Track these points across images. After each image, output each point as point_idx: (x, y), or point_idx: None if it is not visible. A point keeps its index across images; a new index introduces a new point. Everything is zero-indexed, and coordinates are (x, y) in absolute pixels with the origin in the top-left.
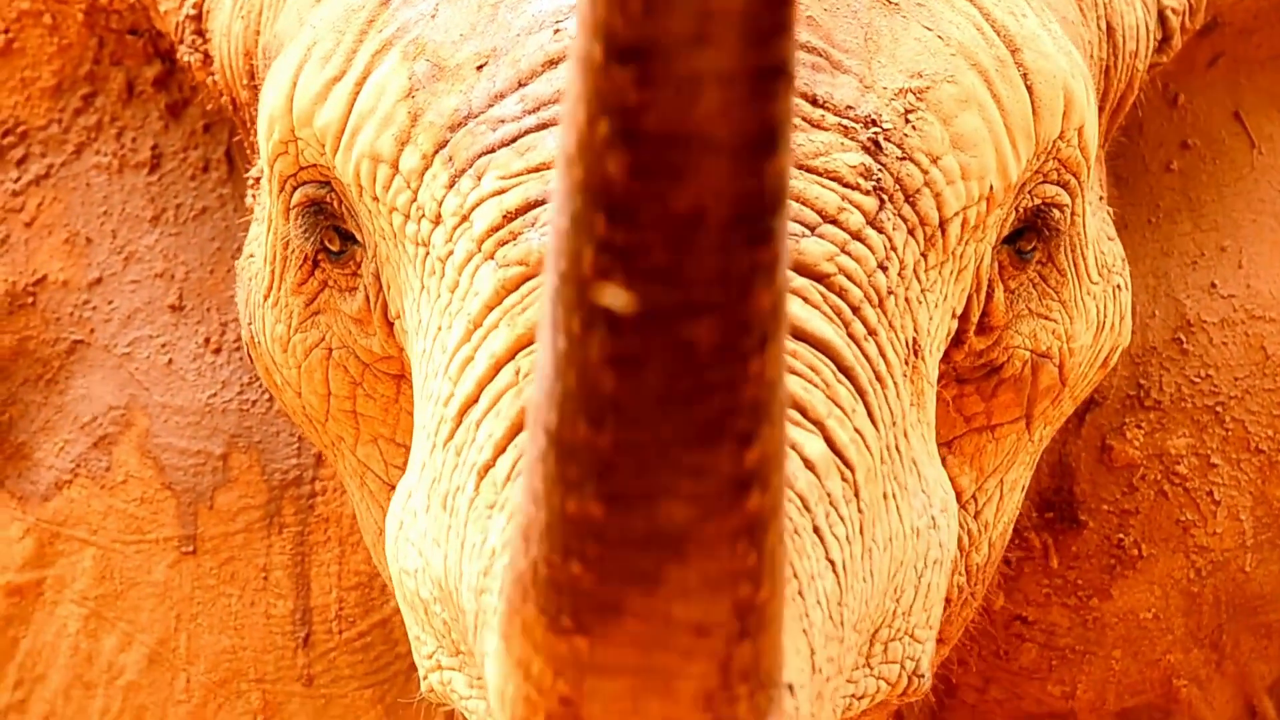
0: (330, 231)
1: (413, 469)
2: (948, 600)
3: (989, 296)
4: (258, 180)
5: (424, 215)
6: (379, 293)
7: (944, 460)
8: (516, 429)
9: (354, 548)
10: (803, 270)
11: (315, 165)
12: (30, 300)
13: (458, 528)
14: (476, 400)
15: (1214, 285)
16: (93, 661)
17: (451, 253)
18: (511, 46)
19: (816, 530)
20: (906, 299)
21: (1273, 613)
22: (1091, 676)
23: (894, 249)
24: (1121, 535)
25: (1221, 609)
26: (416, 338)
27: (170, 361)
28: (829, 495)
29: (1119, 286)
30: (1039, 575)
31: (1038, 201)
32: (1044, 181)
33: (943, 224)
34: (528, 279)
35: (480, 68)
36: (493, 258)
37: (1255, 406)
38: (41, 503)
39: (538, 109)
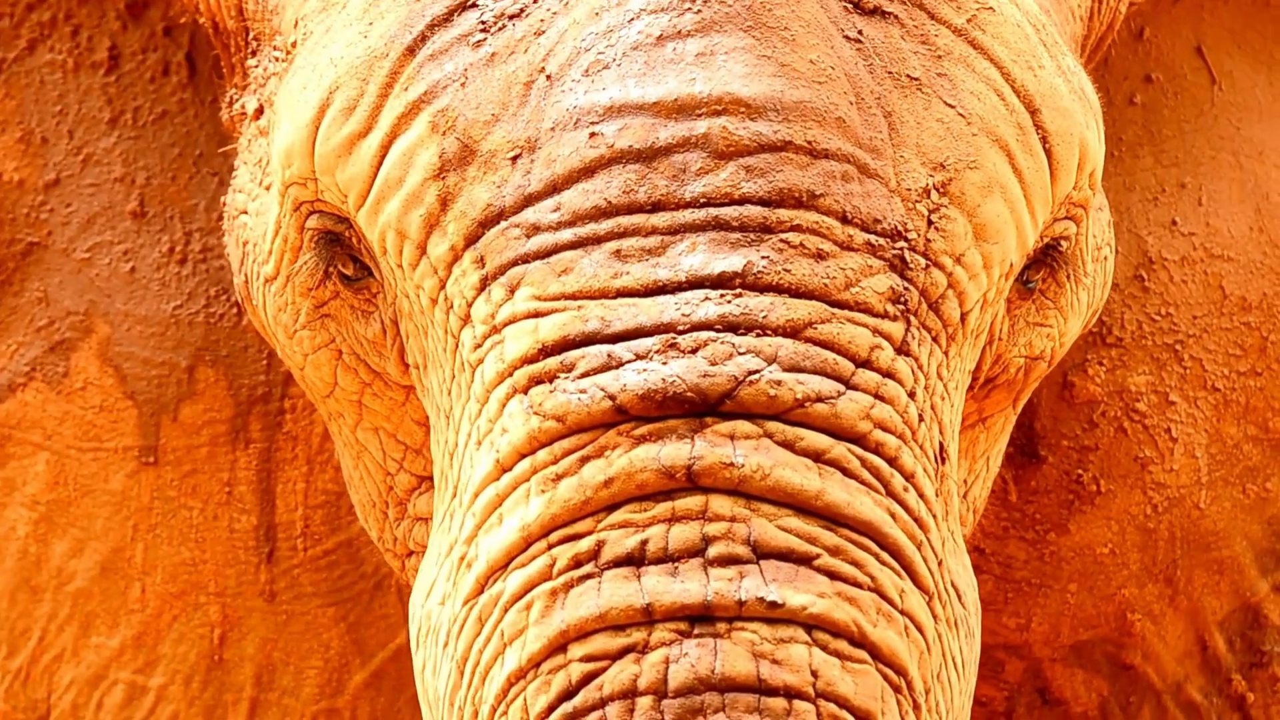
0: (345, 258)
1: (435, 569)
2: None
3: (998, 337)
4: (245, 115)
5: (452, 309)
6: (396, 336)
7: None
8: (552, 648)
9: (322, 466)
10: (840, 434)
11: (334, 205)
12: None
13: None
14: (504, 569)
15: (1175, 223)
16: (41, 566)
17: (481, 361)
18: (546, 142)
19: None
20: (932, 406)
21: (1224, 549)
22: (1047, 609)
23: (920, 368)
24: (1080, 471)
25: (1176, 545)
26: (444, 420)
27: (133, 269)
28: None
29: (1106, 256)
30: (997, 509)
31: (1046, 241)
32: (1055, 222)
33: (963, 317)
34: (561, 437)
35: (514, 159)
36: (525, 393)
37: (1212, 345)
38: None
39: (574, 222)
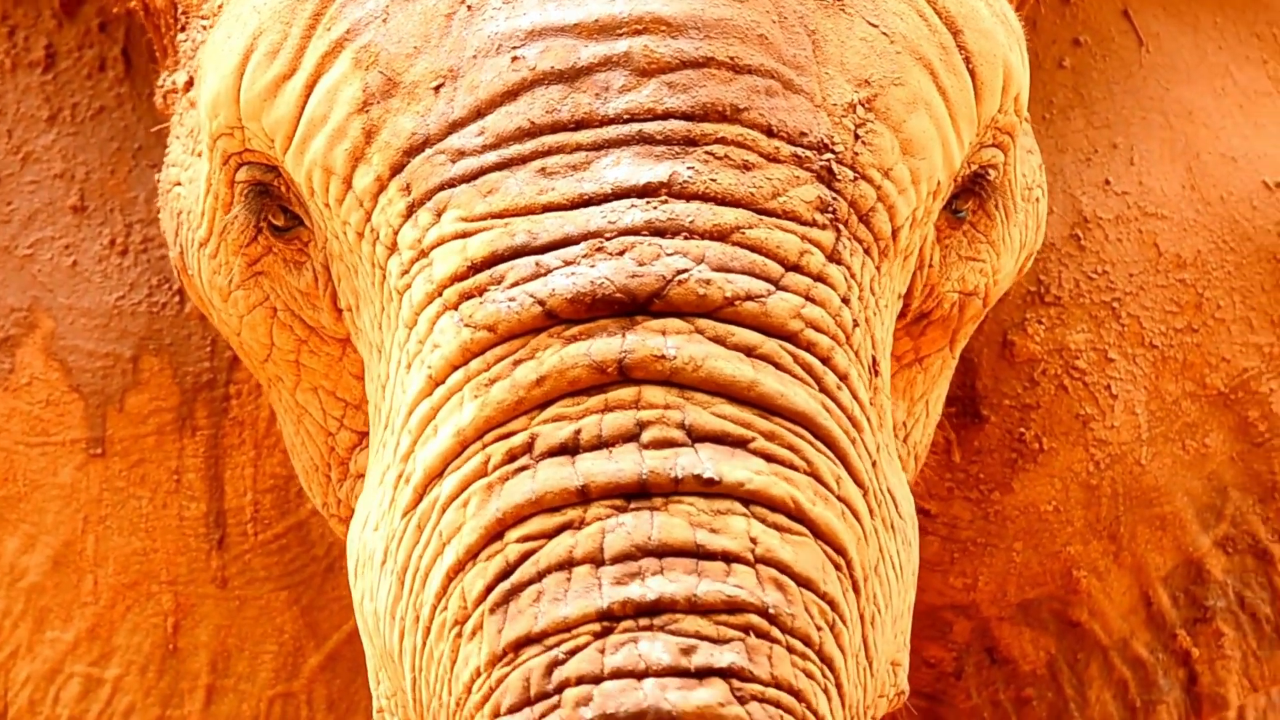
0: (275, 208)
1: (371, 497)
2: None
3: (929, 263)
4: (176, 90)
5: (378, 239)
6: (328, 282)
7: None
8: (489, 536)
9: (269, 450)
10: (771, 331)
11: (262, 152)
12: None
13: (421, 623)
14: (440, 475)
15: (1108, 182)
16: None
17: (409, 286)
18: (469, 70)
19: (827, 660)
20: (867, 319)
21: (1166, 504)
22: (993, 569)
23: (853, 276)
24: (1022, 429)
25: (1119, 501)
26: (375, 355)
27: (75, 263)
28: (830, 604)
29: (1037, 198)
30: (941, 469)
31: (974, 168)
32: (981, 148)
33: (894, 233)
34: (493, 346)
35: (437, 88)
36: (455, 309)
37: (1149, 302)
38: None
39: (498, 144)
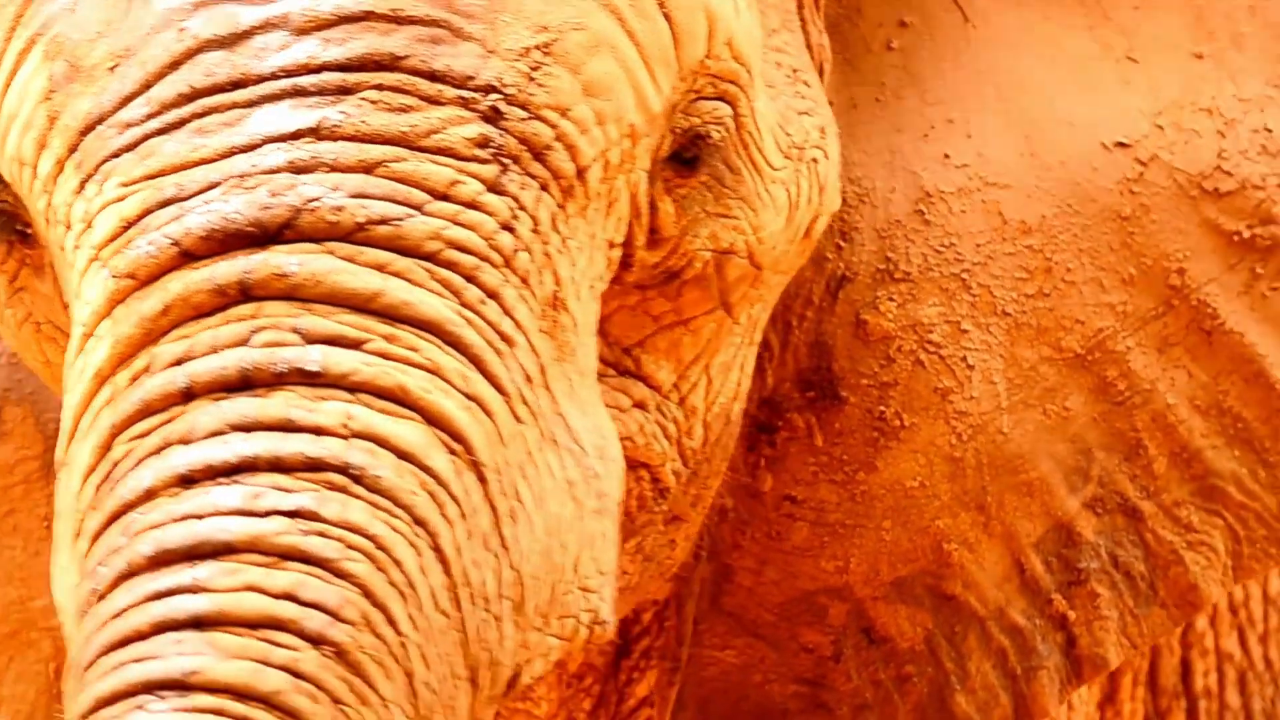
0: (16, 218)
1: None
2: (667, 488)
3: (654, 212)
4: None
5: (58, 220)
6: (55, 280)
7: (639, 359)
8: (102, 450)
9: None
10: (406, 251)
11: None
12: None
13: (62, 561)
14: (82, 417)
15: (947, 156)
16: None
17: (75, 260)
18: (140, 47)
19: (420, 522)
20: (545, 254)
21: (1032, 470)
22: (863, 549)
23: (523, 208)
24: (883, 407)
25: (984, 471)
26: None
27: None
28: (433, 477)
29: (815, 160)
30: (805, 454)
31: (695, 119)
32: (699, 98)
33: (580, 173)
34: (135, 290)
35: (113, 68)
36: (107, 266)
37: (998, 270)
38: None
39: (161, 111)
